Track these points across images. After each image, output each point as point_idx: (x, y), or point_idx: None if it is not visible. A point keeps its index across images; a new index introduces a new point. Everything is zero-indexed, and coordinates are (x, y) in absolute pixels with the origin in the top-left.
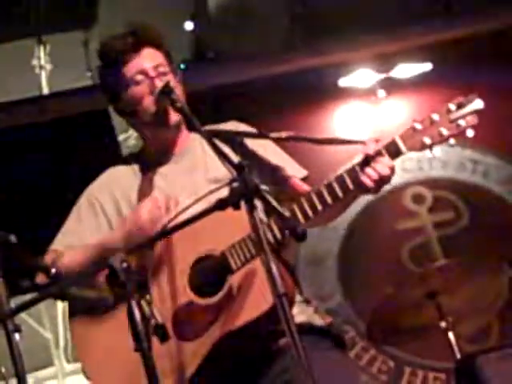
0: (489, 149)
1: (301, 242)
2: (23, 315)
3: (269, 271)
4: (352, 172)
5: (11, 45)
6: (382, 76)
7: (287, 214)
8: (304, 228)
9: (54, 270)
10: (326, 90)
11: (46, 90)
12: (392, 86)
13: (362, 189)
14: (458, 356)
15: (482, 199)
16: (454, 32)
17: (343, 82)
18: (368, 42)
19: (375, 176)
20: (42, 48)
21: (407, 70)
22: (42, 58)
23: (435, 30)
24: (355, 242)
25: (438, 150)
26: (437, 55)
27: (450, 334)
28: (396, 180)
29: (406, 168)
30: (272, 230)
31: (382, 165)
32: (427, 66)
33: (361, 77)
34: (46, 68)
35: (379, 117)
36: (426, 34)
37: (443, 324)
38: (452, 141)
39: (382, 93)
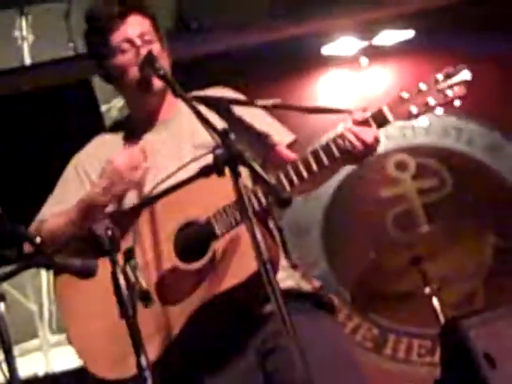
0: (472, 116)
1: (285, 208)
2: (7, 287)
3: (253, 237)
4: (338, 139)
5: None
6: (365, 43)
7: (272, 179)
8: (289, 194)
9: (38, 239)
10: (308, 58)
11: (28, 61)
12: (375, 54)
13: (347, 157)
14: (443, 322)
15: (466, 166)
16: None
17: (326, 50)
18: (350, 10)
19: (360, 144)
20: (24, 19)
21: (390, 37)
22: (24, 29)
23: None
24: (339, 210)
25: (422, 119)
26: (419, 22)
27: (435, 300)
28: (379, 147)
29: (389, 135)
30: (257, 196)
31: (368, 133)
32: (409, 34)
33: (343, 45)
34: (28, 39)
35: (362, 84)
36: (408, 2)
37: (427, 290)
38: (439, 111)
39: (364, 60)
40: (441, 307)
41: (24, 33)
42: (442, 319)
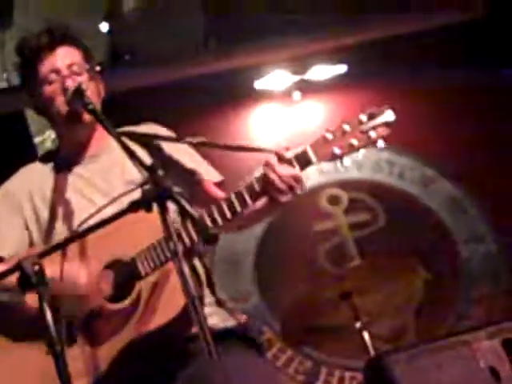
0: (404, 150)
1: (211, 245)
2: None
3: (181, 274)
4: (260, 179)
5: None
6: (298, 78)
7: (199, 216)
8: (215, 230)
9: None
10: (241, 92)
11: None
12: (307, 88)
13: (271, 198)
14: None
15: (398, 200)
16: (368, 34)
17: (259, 84)
18: (283, 44)
19: (279, 182)
20: None
21: (322, 71)
22: None
23: (349, 32)
24: (272, 242)
25: (346, 160)
26: (352, 57)
27: (365, 334)
28: (312, 181)
29: (322, 169)
30: (188, 232)
31: (288, 171)
32: (342, 68)
33: (276, 79)
34: None
35: (295, 119)
36: (341, 36)
37: (358, 324)
38: (362, 151)
39: (297, 95)
40: (371, 341)
41: None
42: (372, 353)
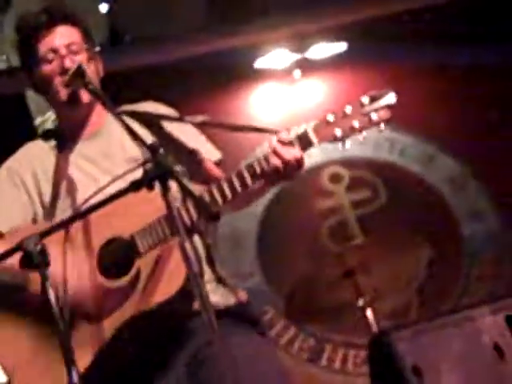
0: (405, 127)
1: (213, 222)
2: None
3: (182, 250)
4: (261, 160)
5: None
6: (298, 56)
7: (200, 195)
8: (217, 208)
9: None
10: (242, 71)
11: None
12: (308, 67)
13: (270, 177)
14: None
15: (400, 177)
16: (368, 11)
17: (259, 63)
18: (283, 23)
19: (283, 166)
20: None
21: (323, 50)
22: None
23: (350, 9)
24: (274, 221)
25: (347, 142)
26: (352, 35)
27: (368, 312)
28: (314, 159)
29: (323, 148)
30: (189, 211)
31: (292, 154)
32: (342, 46)
33: (276, 58)
34: None
35: (295, 97)
36: (341, 14)
37: (361, 302)
38: (364, 133)
39: (297, 73)
40: (375, 318)
41: None
42: (375, 330)
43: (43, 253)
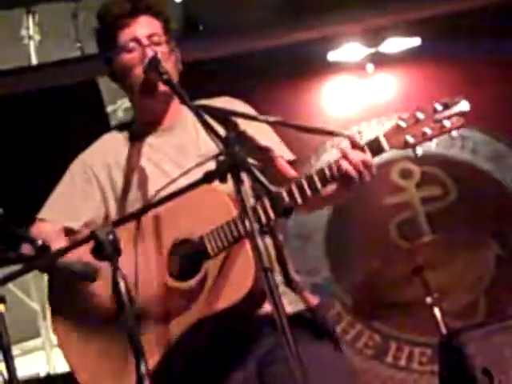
0: (477, 125)
1: (287, 217)
2: (10, 286)
3: (254, 244)
4: (332, 165)
5: None
6: (371, 50)
7: (274, 188)
8: (290, 203)
9: (40, 242)
10: (315, 64)
11: (34, 61)
12: (381, 61)
13: (341, 182)
14: (444, 332)
15: (471, 175)
16: (442, 7)
17: (332, 56)
18: (357, 16)
19: (352, 170)
20: (31, 18)
21: (396, 44)
22: (30, 29)
23: (424, 4)
24: (343, 217)
25: (418, 149)
26: (425, 30)
27: (436, 310)
28: (384, 155)
29: None
30: (263, 206)
31: (361, 158)
32: (416, 41)
33: (350, 51)
34: (35, 38)
35: (368, 91)
36: (415, 9)
37: (429, 300)
38: (435, 141)
39: (370, 67)
40: (442, 317)
41: (31, 32)
42: (442, 329)
43: (115, 242)
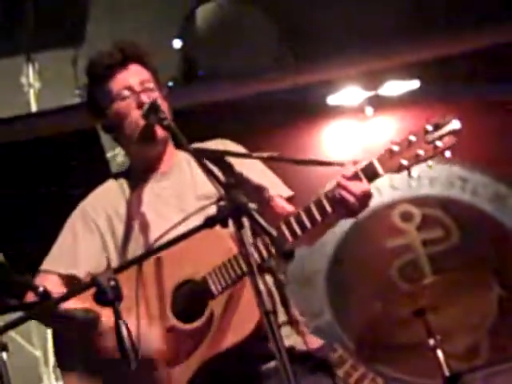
0: (477, 166)
1: (288, 261)
2: (12, 333)
3: (256, 289)
4: (329, 195)
5: None
6: (370, 94)
7: (275, 232)
8: (291, 246)
9: (41, 289)
10: (314, 107)
11: (34, 108)
12: (380, 104)
13: (339, 212)
14: (447, 374)
15: (471, 217)
16: (441, 50)
17: (331, 99)
18: (356, 60)
19: (352, 199)
20: (30, 66)
21: (395, 87)
22: (30, 77)
23: (422, 47)
24: (344, 259)
25: (413, 171)
26: (425, 73)
27: (439, 352)
28: (384, 197)
29: (395, 185)
30: (259, 250)
31: (358, 187)
32: (415, 84)
33: (349, 95)
34: (35, 86)
35: (367, 134)
36: (414, 52)
37: (432, 342)
38: (430, 162)
39: (369, 110)
40: (445, 359)
41: (31, 80)
42: (445, 371)
43: (117, 288)
